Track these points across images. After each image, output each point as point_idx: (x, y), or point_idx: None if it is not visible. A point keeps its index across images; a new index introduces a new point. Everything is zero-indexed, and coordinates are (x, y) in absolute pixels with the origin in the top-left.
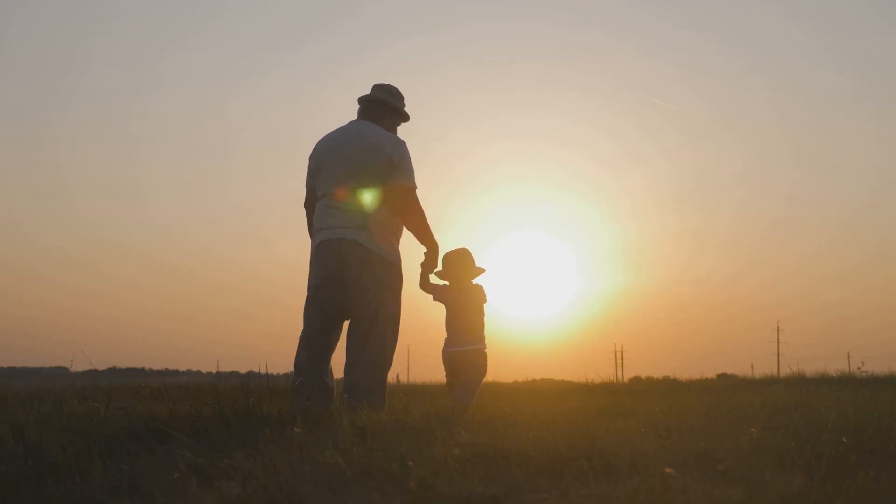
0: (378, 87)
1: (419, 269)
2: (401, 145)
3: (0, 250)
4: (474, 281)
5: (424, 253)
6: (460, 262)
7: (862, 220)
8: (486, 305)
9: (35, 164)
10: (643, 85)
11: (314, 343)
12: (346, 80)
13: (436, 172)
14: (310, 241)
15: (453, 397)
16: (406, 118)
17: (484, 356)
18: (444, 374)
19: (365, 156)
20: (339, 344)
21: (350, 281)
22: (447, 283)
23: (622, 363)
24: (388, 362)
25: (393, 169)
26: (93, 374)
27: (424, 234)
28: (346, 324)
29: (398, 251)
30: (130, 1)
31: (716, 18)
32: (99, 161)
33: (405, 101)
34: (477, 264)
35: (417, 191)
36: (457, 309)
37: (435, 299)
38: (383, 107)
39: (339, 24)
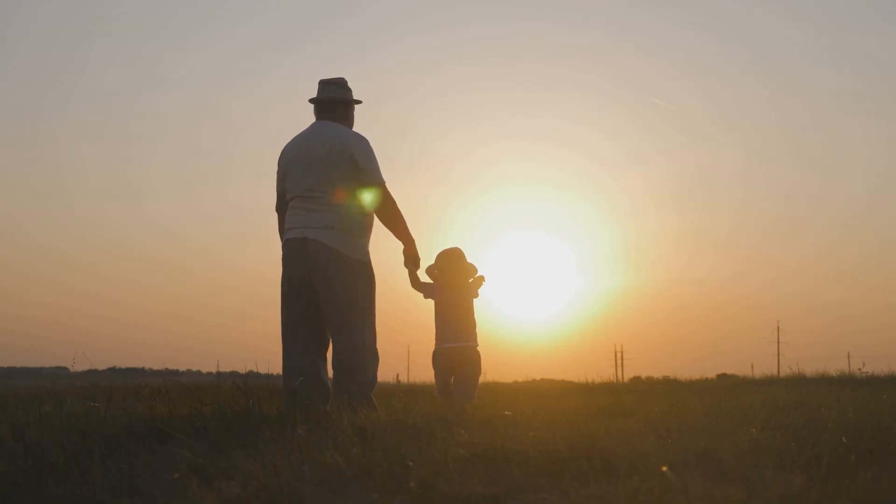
0: (329, 85)
1: (405, 272)
2: (363, 143)
3: (0, 250)
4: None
5: (403, 250)
6: (453, 261)
7: (862, 220)
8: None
9: (35, 163)
10: (643, 85)
11: (293, 344)
12: (349, 80)
13: (436, 173)
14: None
15: (445, 398)
16: (359, 102)
17: (478, 353)
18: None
19: (329, 157)
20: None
21: (318, 280)
22: (439, 281)
23: (622, 363)
24: (371, 357)
25: (358, 168)
26: (93, 374)
27: (400, 228)
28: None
29: (366, 248)
30: (130, 1)
31: (716, 18)
32: (99, 161)
33: (350, 86)
34: (474, 265)
35: (388, 185)
36: (450, 306)
37: (426, 297)
38: (342, 104)
39: (339, 24)
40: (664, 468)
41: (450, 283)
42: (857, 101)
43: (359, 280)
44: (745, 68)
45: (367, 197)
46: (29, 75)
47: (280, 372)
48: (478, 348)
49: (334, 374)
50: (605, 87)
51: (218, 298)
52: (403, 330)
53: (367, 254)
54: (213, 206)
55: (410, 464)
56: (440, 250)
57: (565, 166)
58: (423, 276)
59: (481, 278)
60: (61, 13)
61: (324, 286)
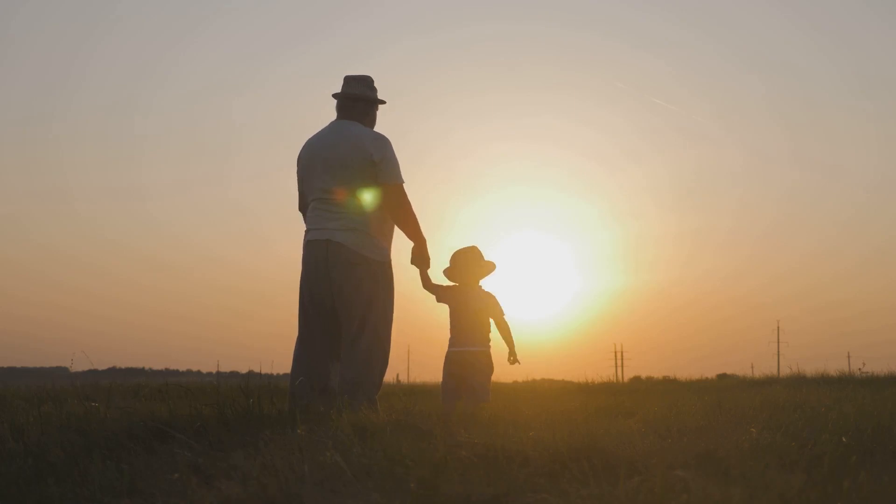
0: (353, 82)
1: (410, 271)
2: (383, 143)
3: (0, 250)
4: (486, 289)
5: (412, 248)
6: (469, 262)
7: (862, 220)
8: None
9: (36, 163)
10: (643, 85)
11: (309, 344)
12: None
13: (437, 173)
14: None
15: (449, 403)
16: (382, 102)
17: (488, 356)
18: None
19: (348, 158)
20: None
21: (338, 282)
22: (454, 283)
23: (622, 363)
24: (383, 358)
25: (377, 169)
26: (93, 374)
27: (413, 229)
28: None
29: (387, 250)
30: (132, 0)
31: (715, 18)
32: (101, 160)
33: (375, 85)
34: (493, 262)
35: (405, 185)
36: (464, 309)
37: (438, 300)
38: (365, 102)
39: (341, 24)
40: (677, 471)
41: (464, 284)
42: (856, 100)
43: (380, 282)
44: (744, 68)
45: (384, 196)
46: (31, 74)
47: (284, 371)
48: (489, 351)
49: (341, 383)
50: (605, 87)
51: (218, 298)
52: (404, 330)
53: (388, 255)
54: (215, 205)
55: (410, 464)
56: (455, 250)
57: (565, 166)
58: (436, 278)
59: (491, 297)
60: (63, 12)
61: (345, 288)
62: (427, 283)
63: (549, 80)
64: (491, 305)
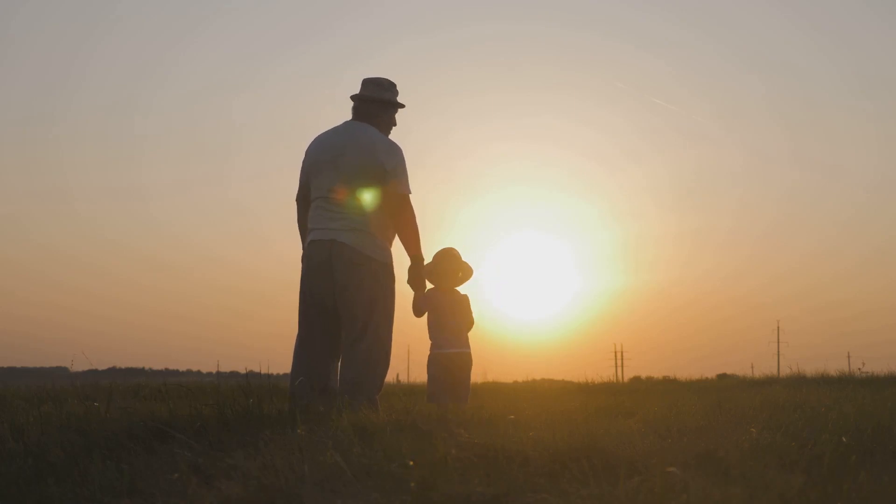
0: (370, 84)
1: (409, 289)
2: (394, 152)
3: (0, 250)
4: (460, 291)
5: (409, 268)
6: (444, 262)
7: (862, 220)
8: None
9: (37, 163)
10: (643, 85)
11: (309, 344)
12: (351, 79)
13: (437, 173)
14: (300, 237)
15: (439, 402)
16: (401, 106)
17: (471, 357)
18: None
19: (358, 161)
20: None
21: (341, 282)
22: (432, 285)
23: (622, 363)
24: (385, 358)
25: (386, 176)
26: (93, 374)
27: (413, 243)
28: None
29: (390, 252)
30: (133, 0)
31: (715, 18)
32: (101, 160)
33: (397, 89)
34: (469, 264)
35: (412, 196)
36: (449, 310)
37: (427, 310)
38: (378, 104)
39: (343, 23)
40: (670, 468)
41: (445, 285)
42: (856, 100)
43: (382, 282)
44: (744, 68)
45: (388, 203)
46: (31, 74)
47: (284, 371)
48: (471, 352)
49: (341, 383)
50: (605, 87)
51: (218, 298)
52: (403, 330)
53: (390, 256)
54: (216, 205)
55: (410, 464)
56: (435, 251)
57: (565, 166)
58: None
59: (466, 298)
60: (63, 12)
61: (348, 289)
62: (418, 308)
63: (549, 80)
64: (467, 306)
